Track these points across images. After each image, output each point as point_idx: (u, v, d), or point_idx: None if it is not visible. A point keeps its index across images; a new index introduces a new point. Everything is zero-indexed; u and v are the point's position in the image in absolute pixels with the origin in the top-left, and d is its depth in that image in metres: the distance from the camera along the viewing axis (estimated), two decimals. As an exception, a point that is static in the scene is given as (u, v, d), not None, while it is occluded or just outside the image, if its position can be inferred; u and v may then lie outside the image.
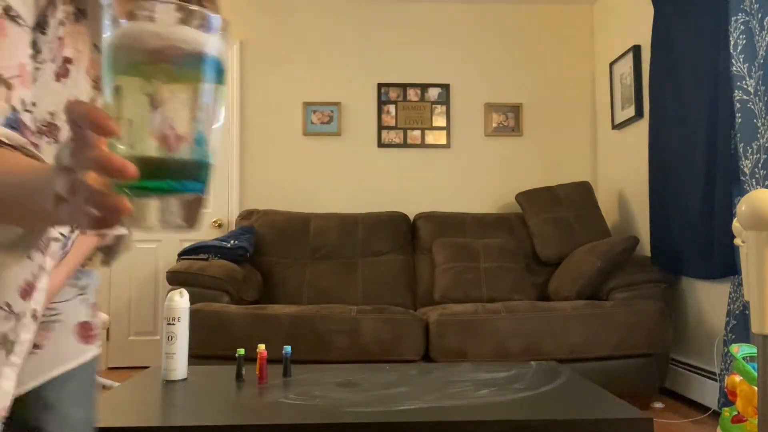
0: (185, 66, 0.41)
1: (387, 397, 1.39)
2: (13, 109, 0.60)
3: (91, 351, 0.80)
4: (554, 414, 1.26)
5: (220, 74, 0.44)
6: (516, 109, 3.97)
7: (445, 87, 3.95)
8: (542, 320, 2.66)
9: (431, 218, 3.55)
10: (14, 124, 0.60)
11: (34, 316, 0.65)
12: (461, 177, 3.93)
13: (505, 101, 3.97)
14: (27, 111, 0.63)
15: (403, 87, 3.94)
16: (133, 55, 0.40)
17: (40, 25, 0.65)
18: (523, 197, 3.59)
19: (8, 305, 0.61)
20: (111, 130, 0.38)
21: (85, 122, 0.38)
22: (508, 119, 3.97)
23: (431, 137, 3.93)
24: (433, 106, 3.94)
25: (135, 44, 0.40)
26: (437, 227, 3.49)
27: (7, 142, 0.55)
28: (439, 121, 3.94)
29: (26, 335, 0.65)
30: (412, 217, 3.63)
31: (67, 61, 0.70)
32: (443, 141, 3.94)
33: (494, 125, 3.96)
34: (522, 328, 2.64)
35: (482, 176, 3.93)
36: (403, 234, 3.52)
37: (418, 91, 3.94)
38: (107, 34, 0.42)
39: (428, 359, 2.65)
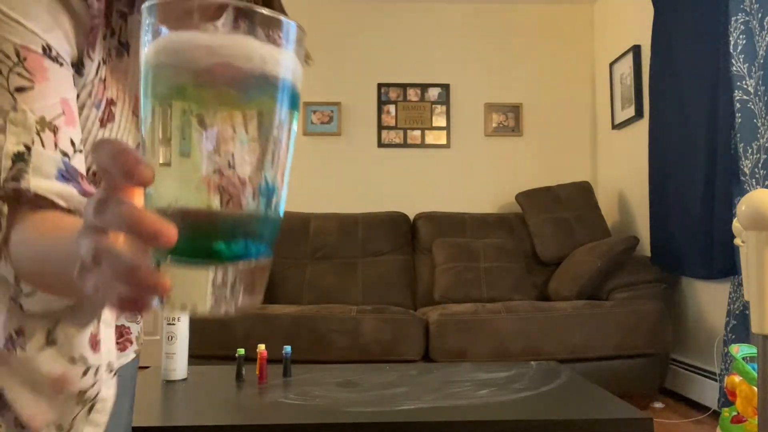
0: (249, 91, 0.31)
1: (387, 397, 1.39)
2: (64, 154, 0.55)
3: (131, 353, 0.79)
4: (554, 414, 1.26)
5: (294, 102, 0.34)
6: (516, 109, 3.96)
7: (445, 87, 3.95)
8: (542, 320, 2.66)
9: (431, 218, 3.55)
10: (67, 174, 0.54)
11: (111, 370, 0.63)
12: (461, 177, 3.93)
13: (505, 101, 3.97)
14: (78, 151, 0.57)
15: (403, 87, 3.94)
16: (178, 77, 0.31)
17: (76, 66, 0.60)
18: (523, 197, 3.59)
19: (83, 358, 0.58)
20: (143, 177, 0.30)
21: (114, 166, 0.30)
22: (508, 119, 3.97)
23: (431, 137, 3.93)
24: (433, 106, 3.94)
25: (180, 62, 0.31)
26: (437, 227, 3.49)
27: (62, 204, 0.52)
28: (439, 121, 3.94)
29: (107, 391, 0.63)
30: (412, 217, 3.63)
31: (111, 103, 0.63)
32: (443, 141, 3.94)
33: (494, 125, 3.96)
34: (522, 328, 2.64)
35: (482, 176, 3.93)
36: (403, 234, 3.52)
37: (418, 91, 3.94)
38: (145, 48, 0.32)
39: (428, 359, 2.65)
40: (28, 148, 0.53)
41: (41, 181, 0.52)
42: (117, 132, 0.64)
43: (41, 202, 0.52)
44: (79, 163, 0.57)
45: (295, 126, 0.35)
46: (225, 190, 0.31)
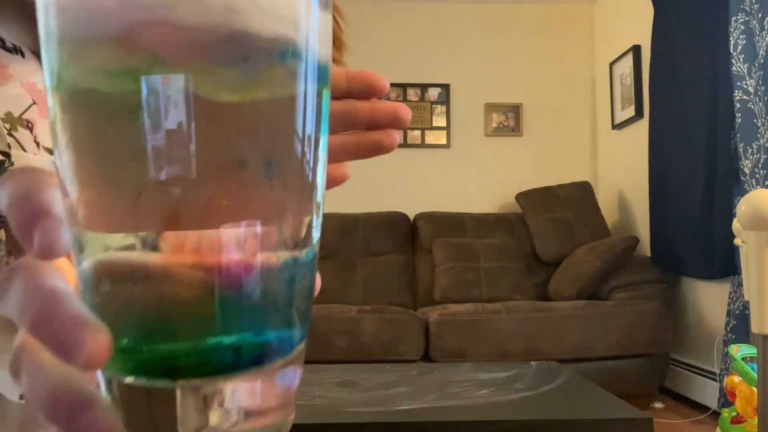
0: (216, 70, 0.17)
1: (387, 397, 1.39)
2: (51, 153, 0.45)
3: None
4: (554, 414, 1.26)
5: (323, 82, 0.20)
6: (516, 109, 3.96)
7: (445, 87, 3.95)
8: (542, 320, 2.66)
9: (431, 218, 3.55)
10: None
11: None
12: (461, 177, 3.93)
13: (505, 101, 3.97)
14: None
15: (403, 87, 3.94)
16: (84, 53, 0.17)
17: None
18: (523, 197, 3.59)
19: None
20: (45, 244, 0.18)
21: (12, 224, 0.19)
22: (508, 119, 3.97)
23: (431, 137, 3.93)
24: (433, 106, 3.94)
25: (78, 27, 0.17)
26: (437, 227, 3.49)
27: None
28: (439, 121, 3.94)
29: None
30: (412, 217, 3.63)
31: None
32: (443, 141, 3.94)
33: (494, 125, 3.96)
34: (522, 328, 2.64)
35: (482, 176, 3.93)
36: (403, 234, 3.52)
37: (418, 91, 3.94)
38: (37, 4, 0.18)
39: (428, 359, 2.65)
40: (6, 155, 0.42)
41: None
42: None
43: None
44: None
45: (325, 115, 0.21)
46: (206, 248, 0.18)
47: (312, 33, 0.19)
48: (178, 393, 0.18)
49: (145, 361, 0.18)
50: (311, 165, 0.20)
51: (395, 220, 3.54)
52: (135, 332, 0.18)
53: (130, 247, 0.18)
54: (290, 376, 0.20)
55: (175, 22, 0.17)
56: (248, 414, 0.19)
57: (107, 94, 0.17)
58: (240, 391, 0.19)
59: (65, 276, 0.19)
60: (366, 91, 0.33)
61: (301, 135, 0.19)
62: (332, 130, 0.34)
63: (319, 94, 0.20)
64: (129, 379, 0.18)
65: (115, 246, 0.18)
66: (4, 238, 0.43)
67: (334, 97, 0.33)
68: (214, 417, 0.18)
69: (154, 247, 0.18)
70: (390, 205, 3.82)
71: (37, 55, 0.47)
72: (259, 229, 0.18)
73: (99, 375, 0.19)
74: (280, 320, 0.20)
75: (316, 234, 0.21)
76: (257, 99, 0.18)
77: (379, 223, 3.50)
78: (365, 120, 0.34)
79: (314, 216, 0.20)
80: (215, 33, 0.17)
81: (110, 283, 0.18)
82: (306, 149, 0.19)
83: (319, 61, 0.20)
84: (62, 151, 0.18)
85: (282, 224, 0.19)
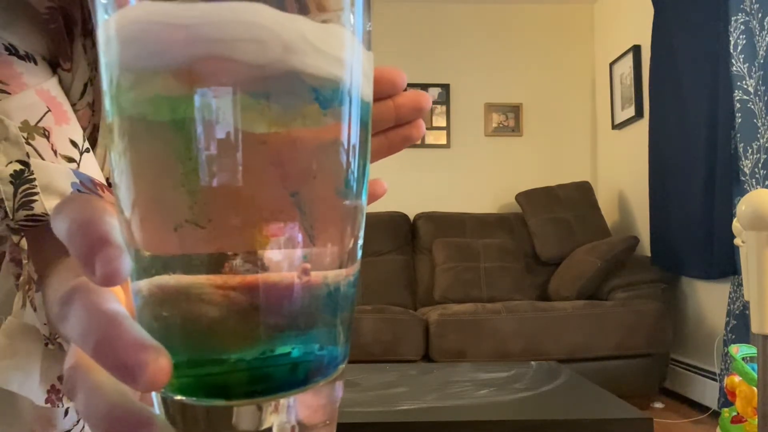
0: (271, 104, 0.18)
1: (387, 397, 1.39)
2: (70, 161, 0.44)
3: None
4: (554, 414, 1.26)
5: (366, 114, 0.21)
6: (516, 109, 3.96)
7: (445, 87, 3.95)
8: (542, 320, 2.66)
9: (431, 218, 3.55)
10: (84, 188, 0.44)
11: None
12: (461, 177, 3.93)
13: (505, 101, 3.97)
14: (85, 152, 0.46)
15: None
16: (145, 85, 0.18)
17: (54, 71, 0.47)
18: (523, 197, 3.59)
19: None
20: (106, 272, 0.18)
21: (72, 249, 0.20)
22: (508, 119, 3.97)
23: (431, 137, 3.93)
24: (433, 106, 3.93)
25: (140, 58, 0.18)
26: (437, 227, 3.49)
27: None
28: (439, 121, 3.94)
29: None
30: (412, 217, 3.63)
31: (96, 128, 0.51)
32: (443, 141, 3.94)
33: (494, 125, 3.96)
34: (522, 328, 2.64)
35: (482, 176, 3.93)
36: (403, 234, 3.52)
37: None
38: (98, 30, 0.19)
39: (428, 359, 2.65)
40: (26, 165, 0.42)
41: (57, 202, 0.43)
42: (99, 162, 0.53)
43: None
44: (91, 166, 0.47)
45: (368, 143, 0.22)
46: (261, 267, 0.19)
47: (356, 71, 0.20)
48: (235, 411, 0.19)
49: (201, 381, 0.19)
50: (357, 189, 0.21)
51: (395, 220, 3.54)
52: (191, 353, 0.19)
53: (184, 269, 0.19)
54: (337, 392, 0.21)
55: (235, 58, 0.18)
56: (302, 429, 0.20)
57: (161, 120, 0.18)
58: (294, 407, 0.20)
59: (119, 297, 0.20)
60: (389, 89, 0.33)
61: (349, 163, 0.20)
62: None
63: (364, 126, 0.21)
64: (184, 399, 0.19)
65: (170, 268, 0.19)
66: (26, 247, 0.43)
67: None
68: None
69: (207, 270, 0.18)
70: (390, 205, 3.81)
71: (48, 62, 0.47)
72: (309, 251, 0.19)
73: (153, 394, 0.20)
74: (329, 338, 0.21)
75: (360, 252, 0.23)
76: (304, 131, 0.19)
77: (379, 222, 3.50)
78: (392, 118, 0.35)
79: (360, 236, 0.22)
80: (271, 69, 0.18)
81: (165, 306, 0.19)
82: (352, 175, 0.21)
83: (362, 96, 0.21)
84: (117, 173, 0.19)
85: (332, 246, 0.20)
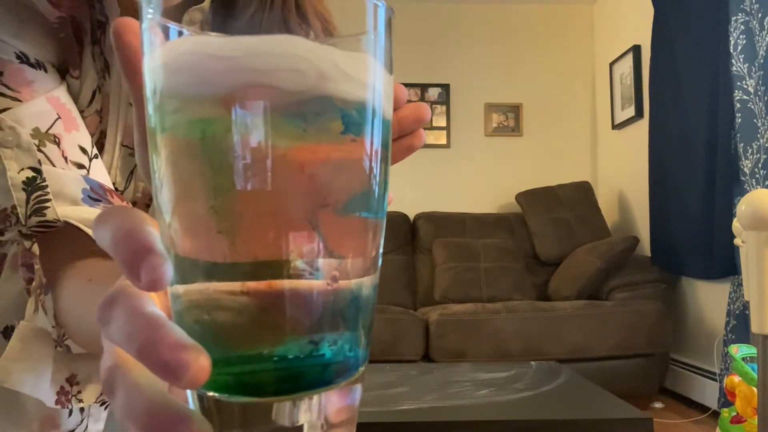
0: (306, 126, 0.20)
1: (387, 397, 1.39)
2: (80, 167, 0.45)
3: None
4: (554, 414, 1.26)
5: (387, 132, 0.23)
6: (516, 109, 3.96)
7: (445, 87, 3.95)
8: (542, 320, 2.66)
9: (431, 218, 3.55)
10: (94, 193, 0.45)
11: (103, 403, 0.57)
12: (461, 177, 3.93)
13: (505, 101, 3.97)
14: (94, 158, 0.47)
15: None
16: (191, 110, 0.20)
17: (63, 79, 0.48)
18: (523, 197, 3.59)
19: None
20: (152, 278, 0.20)
21: (116, 256, 0.21)
22: (508, 119, 3.97)
23: (431, 137, 3.93)
24: (433, 106, 3.93)
25: (187, 87, 0.20)
26: (437, 227, 3.49)
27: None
28: (439, 121, 3.93)
29: (95, 425, 0.58)
30: (412, 217, 3.63)
31: (103, 135, 0.51)
32: (443, 141, 3.93)
33: (494, 125, 3.96)
34: (522, 328, 2.64)
35: (482, 176, 3.93)
36: (403, 234, 3.52)
37: (418, 91, 3.94)
38: (146, 60, 0.22)
39: (428, 359, 2.65)
40: (38, 171, 0.43)
41: (68, 208, 0.43)
42: (106, 168, 0.53)
43: (75, 234, 0.42)
44: (100, 172, 0.48)
45: (389, 159, 0.24)
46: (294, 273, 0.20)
47: (378, 93, 0.22)
48: (274, 407, 0.20)
49: (237, 378, 0.21)
50: (380, 201, 0.23)
51: (395, 220, 3.54)
52: (228, 353, 0.21)
53: (223, 275, 0.20)
54: (358, 392, 0.23)
55: (272, 85, 0.20)
56: (329, 427, 0.22)
57: (201, 140, 0.20)
58: (324, 406, 0.21)
59: (156, 301, 0.22)
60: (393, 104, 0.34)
61: (372, 178, 0.22)
62: None
63: (385, 145, 0.23)
64: (218, 395, 0.20)
65: (209, 273, 0.21)
66: (38, 252, 0.44)
67: None
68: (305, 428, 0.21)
69: (243, 277, 0.20)
70: (390, 205, 3.81)
71: (57, 69, 0.48)
72: (337, 260, 0.21)
73: (188, 392, 0.22)
74: (356, 340, 0.23)
75: (380, 261, 0.24)
76: (333, 149, 0.21)
77: (379, 223, 3.50)
78: (396, 131, 0.36)
79: (381, 245, 0.24)
80: (306, 95, 0.20)
81: (204, 309, 0.21)
82: (376, 188, 0.23)
83: (383, 115, 0.23)
84: (159, 185, 0.21)
85: (357, 256, 0.22)
